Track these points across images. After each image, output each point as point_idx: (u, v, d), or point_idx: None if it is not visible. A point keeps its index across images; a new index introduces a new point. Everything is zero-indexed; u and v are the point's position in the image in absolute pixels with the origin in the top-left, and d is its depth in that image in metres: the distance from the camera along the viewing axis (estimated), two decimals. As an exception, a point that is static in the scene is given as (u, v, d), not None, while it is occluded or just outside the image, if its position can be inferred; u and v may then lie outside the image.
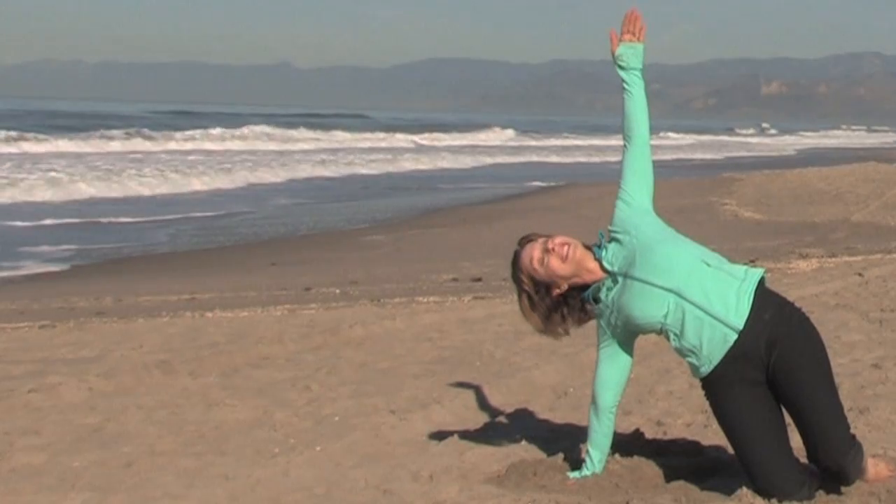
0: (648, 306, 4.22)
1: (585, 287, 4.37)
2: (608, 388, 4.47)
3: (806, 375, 4.18)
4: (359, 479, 4.61)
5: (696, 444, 4.91)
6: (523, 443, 5.10)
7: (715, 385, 4.24)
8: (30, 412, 5.99)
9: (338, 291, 11.47)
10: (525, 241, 4.48)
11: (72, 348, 7.95)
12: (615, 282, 4.30)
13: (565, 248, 4.32)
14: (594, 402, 4.50)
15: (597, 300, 4.36)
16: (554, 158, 53.22)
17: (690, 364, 4.31)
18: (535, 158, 52.68)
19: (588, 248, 4.38)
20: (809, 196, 24.93)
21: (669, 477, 4.53)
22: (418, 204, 25.90)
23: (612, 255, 4.32)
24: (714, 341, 4.16)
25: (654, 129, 4.73)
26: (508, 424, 5.56)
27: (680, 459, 4.68)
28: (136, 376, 6.81)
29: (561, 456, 4.78)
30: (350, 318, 9.03)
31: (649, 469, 4.59)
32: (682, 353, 4.29)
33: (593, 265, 4.34)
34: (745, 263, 4.31)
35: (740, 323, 4.14)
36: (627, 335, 4.41)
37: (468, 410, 5.90)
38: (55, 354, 7.74)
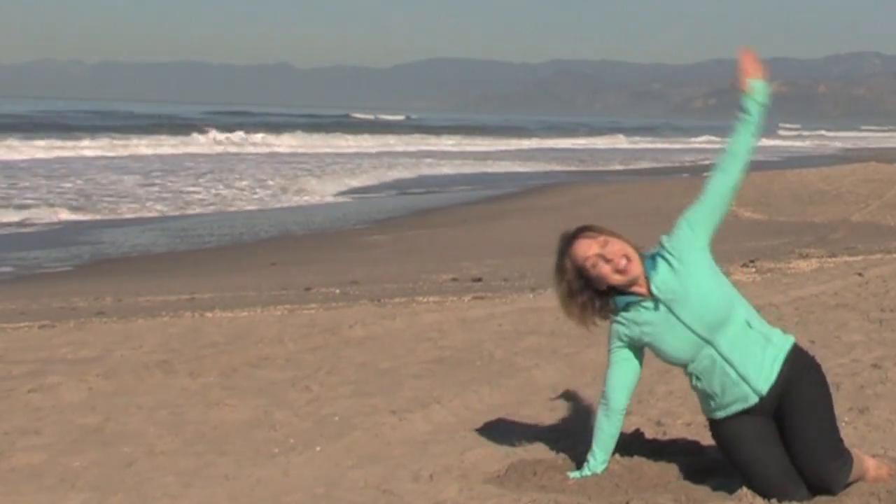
0: (681, 348, 4.26)
1: (621, 291, 4.33)
2: (621, 389, 4.48)
3: (802, 415, 4.22)
4: (359, 479, 4.61)
5: (696, 444, 4.91)
6: (523, 443, 5.10)
7: (723, 427, 4.31)
8: (30, 412, 5.99)
9: (338, 291, 11.46)
10: (581, 232, 4.33)
11: (72, 348, 7.95)
12: (655, 307, 4.28)
13: (623, 261, 4.25)
14: (606, 403, 4.50)
15: (627, 305, 4.34)
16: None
17: (704, 405, 4.38)
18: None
19: (641, 257, 4.31)
20: (809, 196, 24.93)
21: (669, 477, 4.53)
22: (418, 204, 25.89)
23: (662, 281, 4.27)
24: (735, 397, 4.24)
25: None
26: (508, 424, 5.56)
27: (680, 459, 4.68)
28: (136, 376, 6.81)
29: (561, 456, 4.78)
30: (350, 318, 9.02)
31: (649, 469, 4.59)
32: (697, 391, 4.37)
33: (642, 281, 4.30)
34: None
35: (765, 389, 4.22)
36: (644, 349, 4.44)
37: (468, 410, 5.90)
38: (55, 354, 7.74)
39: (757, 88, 4.38)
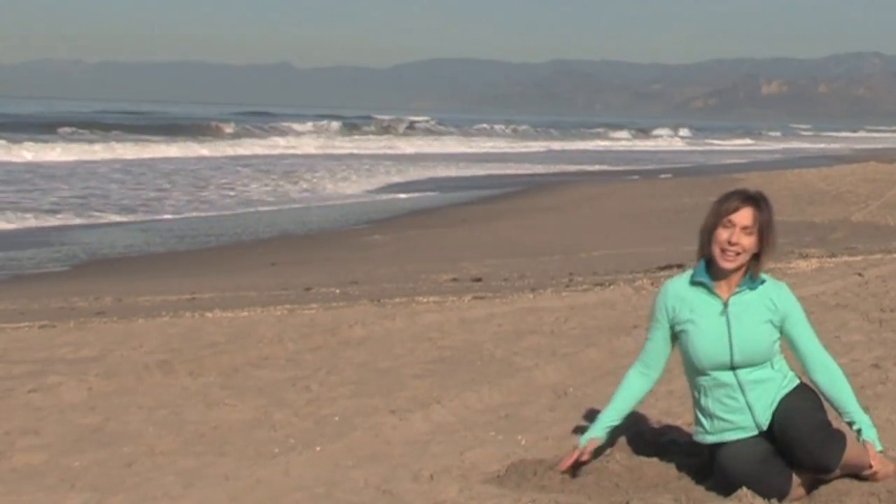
0: (709, 355, 4.33)
1: (709, 270, 4.39)
2: (660, 359, 4.54)
3: (789, 409, 4.32)
4: (359, 479, 4.61)
5: (696, 444, 4.91)
6: (523, 443, 5.10)
7: (721, 451, 4.37)
8: (30, 412, 5.99)
9: (338, 291, 11.46)
10: (761, 207, 4.36)
11: (72, 348, 7.95)
12: (720, 312, 4.36)
13: (734, 254, 4.31)
14: (645, 368, 4.55)
15: (698, 283, 4.40)
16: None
17: (698, 425, 4.47)
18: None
19: (749, 268, 4.37)
20: (809, 196, 24.93)
21: (669, 477, 4.54)
22: (418, 204, 25.90)
23: (744, 296, 4.37)
24: (735, 424, 4.34)
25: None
26: (508, 424, 5.56)
27: (680, 459, 4.69)
28: (136, 376, 6.81)
29: (561, 456, 4.78)
30: (350, 318, 9.02)
31: (649, 469, 4.59)
32: (697, 408, 4.45)
33: (731, 284, 4.38)
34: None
35: (767, 425, 4.33)
36: (672, 334, 4.48)
37: (468, 410, 5.90)
38: (55, 354, 7.73)
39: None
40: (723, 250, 4.31)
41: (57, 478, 4.80)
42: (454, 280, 12.29)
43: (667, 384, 6.41)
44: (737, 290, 4.37)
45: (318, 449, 5.09)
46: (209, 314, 9.64)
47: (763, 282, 4.41)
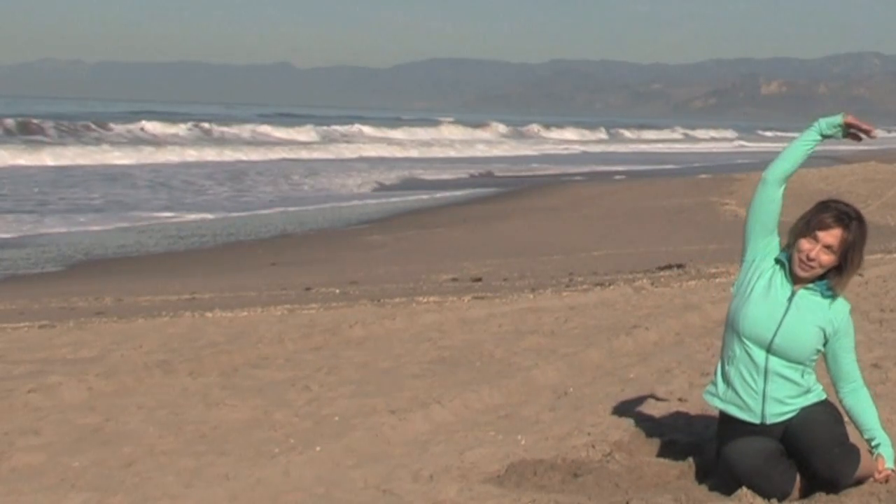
0: (751, 322, 4.37)
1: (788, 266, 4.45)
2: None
3: (807, 421, 4.36)
4: (359, 479, 4.61)
5: (696, 443, 4.92)
6: (523, 443, 5.11)
7: (729, 446, 4.40)
8: (30, 412, 5.99)
9: (338, 291, 11.47)
10: (847, 226, 4.39)
11: (72, 348, 7.95)
12: (787, 296, 4.40)
13: (809, 266, 4.36)
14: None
15: (778, 261, 4.48)
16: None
17: (712, 385, 4.52)
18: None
19: (824, 277, 4.41)
20: (809, 196, 24.82)
21: (669, 477, 4.54)
22: (418, 204, 25.90)
23: (813, 296, 4.41)
24: (741, 403, 4.38)
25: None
26: (508, 424, 5.56)
27: (680, 459, 4.69)
28: (136, 376, 6.81)
29: (561, 456, 4.78)
30: (350, 318, 9.03)
31: (649, 469, 4.60)
32: (721, 369, 4.49)
33: (805, 279, 4.41)
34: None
35: (770, 422, 4.37)
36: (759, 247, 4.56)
37: (468, 410, 5.90)
38: (55, 354, 7.74)
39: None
40: (801, 260, 4.38)
41: (57, 478, 4.80)
42: (454, 280, 12.29)
43: (666, 384, 6.41)
44: (810, 286, 4.42)
45: (318, 449, 5.09)
46: (209, 314, 9.64)
47: (834, 294, 4.44)
